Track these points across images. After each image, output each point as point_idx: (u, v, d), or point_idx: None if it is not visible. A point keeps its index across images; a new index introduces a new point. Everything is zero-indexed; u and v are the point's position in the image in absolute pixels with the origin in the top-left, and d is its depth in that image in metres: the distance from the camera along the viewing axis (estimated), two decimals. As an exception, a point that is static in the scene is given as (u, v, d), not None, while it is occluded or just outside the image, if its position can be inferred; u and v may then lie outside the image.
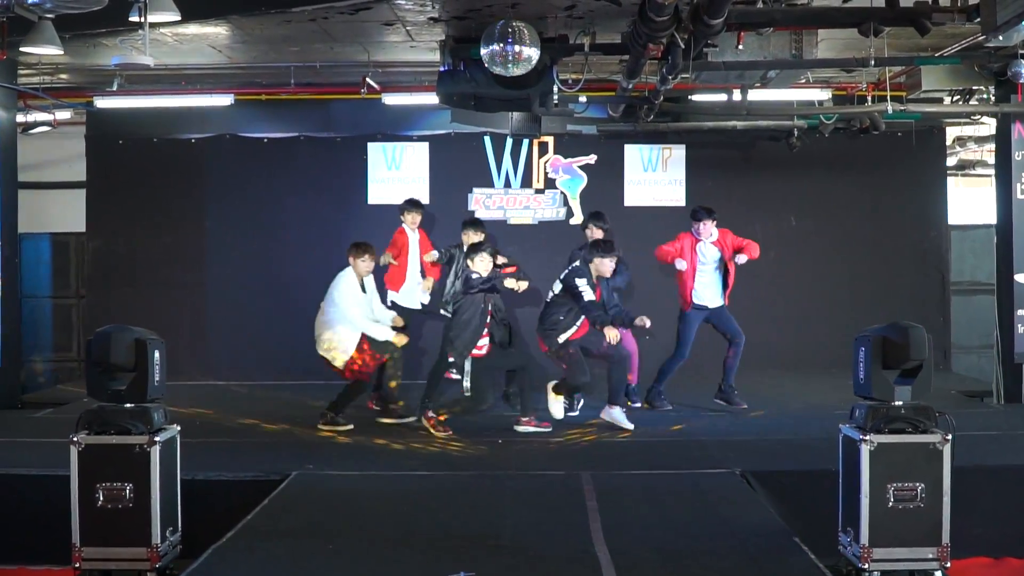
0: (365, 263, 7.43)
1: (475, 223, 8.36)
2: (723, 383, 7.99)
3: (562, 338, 7.13)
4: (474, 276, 7.09)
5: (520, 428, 7.20)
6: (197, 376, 9.89)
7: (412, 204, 8.60)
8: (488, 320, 7.11)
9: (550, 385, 7.42)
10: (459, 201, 10.30)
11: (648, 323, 7.15)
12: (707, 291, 7.84)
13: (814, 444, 6.42)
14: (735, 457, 6.28)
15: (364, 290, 7.41)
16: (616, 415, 7.30)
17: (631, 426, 7.26)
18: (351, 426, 7.28)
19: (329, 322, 7.31)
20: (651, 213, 10.47)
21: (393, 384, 7.43)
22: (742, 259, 7.86)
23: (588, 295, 7.10)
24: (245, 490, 5.64)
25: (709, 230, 7.89)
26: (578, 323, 7.15)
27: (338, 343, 7.22)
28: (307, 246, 10.40)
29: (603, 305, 7.15)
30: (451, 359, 7.16)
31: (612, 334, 7.02)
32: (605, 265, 7.25)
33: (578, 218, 10.35)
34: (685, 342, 7.78)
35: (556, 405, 7.40)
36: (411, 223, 8.47)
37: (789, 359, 10.41)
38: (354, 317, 7.29)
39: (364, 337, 7.21)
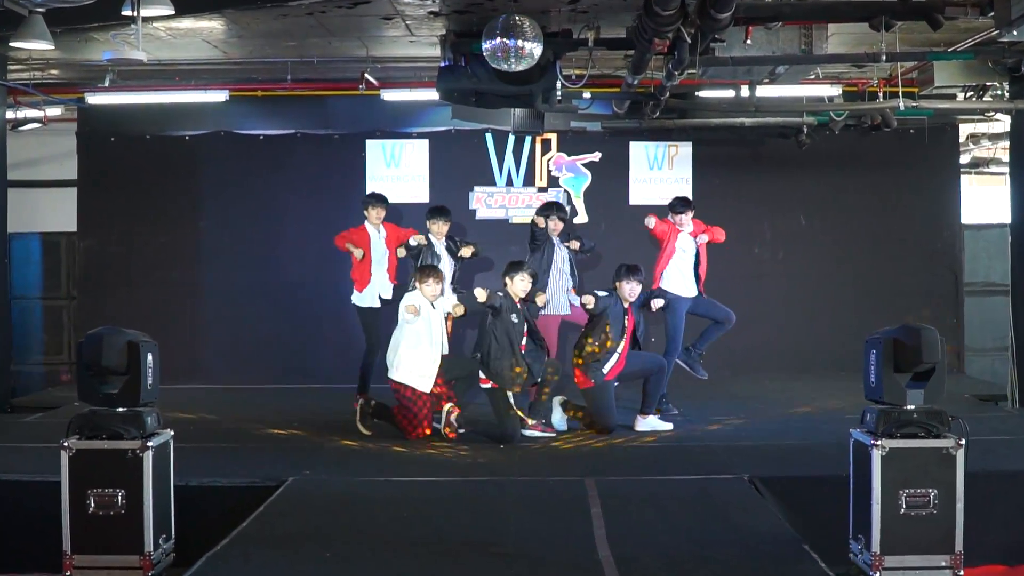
0: (430, 288, 7.17)
1: (443, 211, 8.00)
2: (693, 345, 7.99)
3: (607, 368, 7.12)
4: (500, 295, 7.06)
5: (525, 432, 7.20)
6: (191, 379, 9.89)
7: (374, 199, 8.25)
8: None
9: (557, 400, 7.45)
10: (460, 199, 10.30)
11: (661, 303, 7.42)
12: (682, 281, 7.87)
13: (824, 449, 6.42)
14: (743, 462, 6.28)
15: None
16: (652, 423, 7.42)
17: (670, 425, 7.43)
18: (369, 433, 7.28)
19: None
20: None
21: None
22: (703, 238, 8.01)
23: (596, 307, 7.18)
24: (240, 496, 5.64)
25: (686, 222, 7.95)
26: (620, 349, 7.14)
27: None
28: (304, 245, 10.41)
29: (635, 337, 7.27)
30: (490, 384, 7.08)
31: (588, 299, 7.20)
32: (632, 289, 7.27)
33: (583, 217, 10.37)
34: (676, 335, 7.80)
35: (560, 417, 7.43)
36: (375, 219, 8.16)
37: (798, 361, 10.41)
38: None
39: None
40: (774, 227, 10.70)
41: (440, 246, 7.93)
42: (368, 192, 8.53)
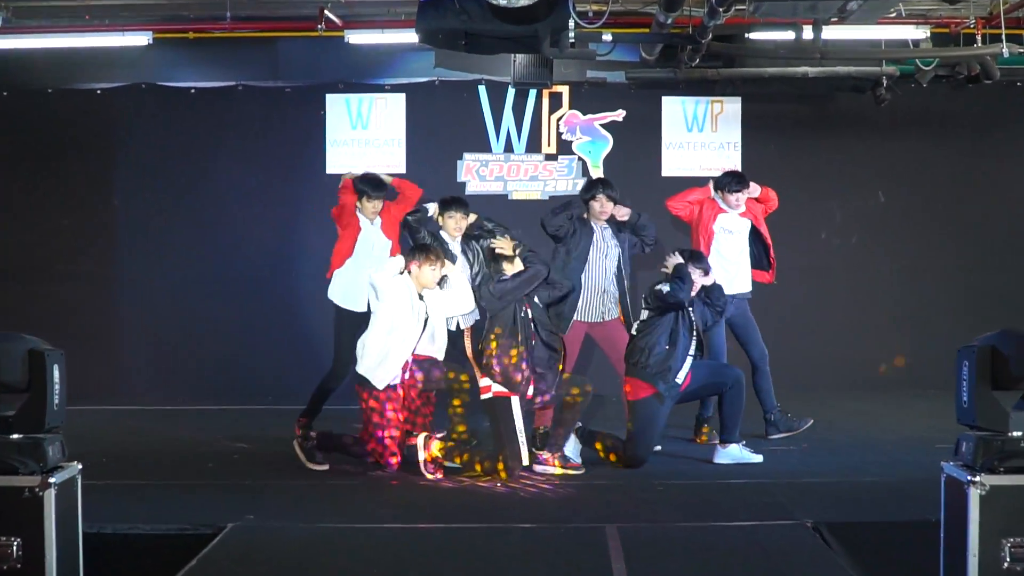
0: (428, 272, 7.02)
1: (460, 203, 7.67)
2: (768, 414, 8.05)
3: (680, 377, 7.18)
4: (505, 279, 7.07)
5: (538, 468, 7.21)
6: (105, 399, 9.91)
7: (371, 186, 7.85)
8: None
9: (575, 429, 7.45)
10: (445, 171, 10.33)
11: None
12: (726, 274, 7.83)
13: (908, 487, 6.41)
14: (805, 504, 6.28)
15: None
16: (736, 453, 7.41)
17: (759, 457, 7.45)
18: (325, 468, 7.30)
19: None
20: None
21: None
22: (757, 209, 8.10)
23: (667, 286, 7.17)
24: (167, 547, 5.63)
25: (740, 202, 7.91)
26: (691, 354, 7.21)
27: None
28: (248, 229, 10.46)
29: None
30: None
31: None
32: (697, 279, 7.35)
33: (601, 193, 10.37)
34: (718, 351, 7.81)
35: (575, 447, 7.45)
36: (371, 212, 7.81)
37: (875, 377, 10.44)
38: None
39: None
40: (845, 206, 10.73)
41: (455, 245, 7.63)
42: (362, 175, 7.96)
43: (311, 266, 10.33)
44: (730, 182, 8.06)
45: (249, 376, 10.41)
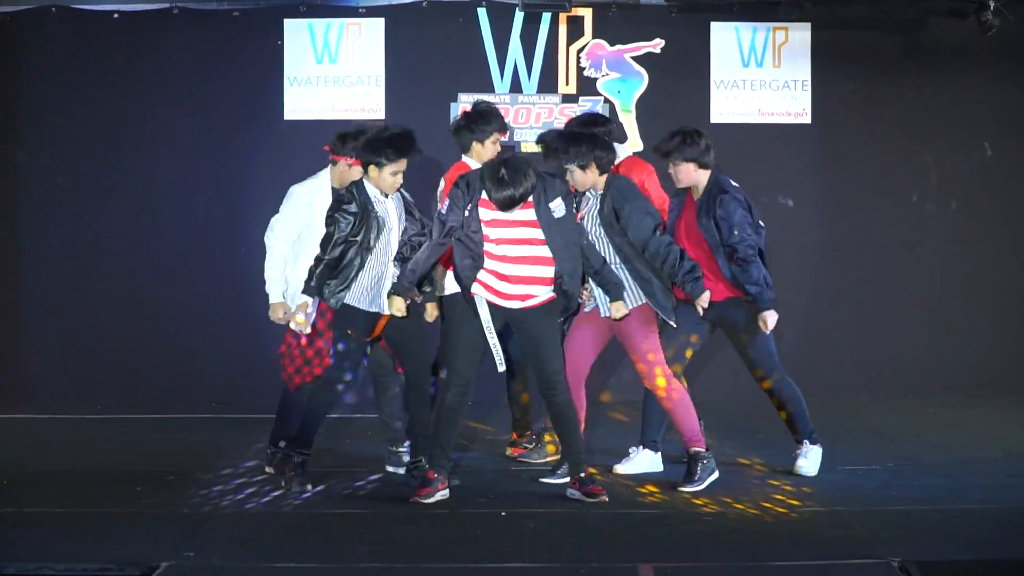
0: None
1: (402, 143, 7.41)
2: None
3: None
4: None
5: (552, 481, 7.38)
6: (3, 406, 9.97)
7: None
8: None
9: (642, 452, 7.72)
10: (435, 115, 10.29)
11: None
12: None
13: (1015, 517, 6.44)
14: (891, 538, 6.29)
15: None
16: (814, 455, 7.77)
17: (813, 471, 7.70)
18: (309, 488, 7.34)
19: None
20: (755, 135, 10.58)
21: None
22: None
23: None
24: (86, 591, 5.66)
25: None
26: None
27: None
28: (186, 191, 10.46)
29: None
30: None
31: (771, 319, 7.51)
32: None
33: (634, 143, 10.35)
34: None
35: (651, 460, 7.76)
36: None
37: (976, 379, 10.47)
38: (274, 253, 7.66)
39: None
40: (941, 163, 10.69)
41: (389, 204, 7.48)
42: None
43: (263, 235, 10.34)
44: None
45: (188, 377, 10.41)
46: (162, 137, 10.50)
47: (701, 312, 7.41)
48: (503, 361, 7.14)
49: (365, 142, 7.36)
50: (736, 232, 7.48)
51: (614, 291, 7.22)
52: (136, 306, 10.45)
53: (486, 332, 7.06)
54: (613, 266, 7.31)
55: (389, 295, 7.20)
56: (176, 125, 10.48)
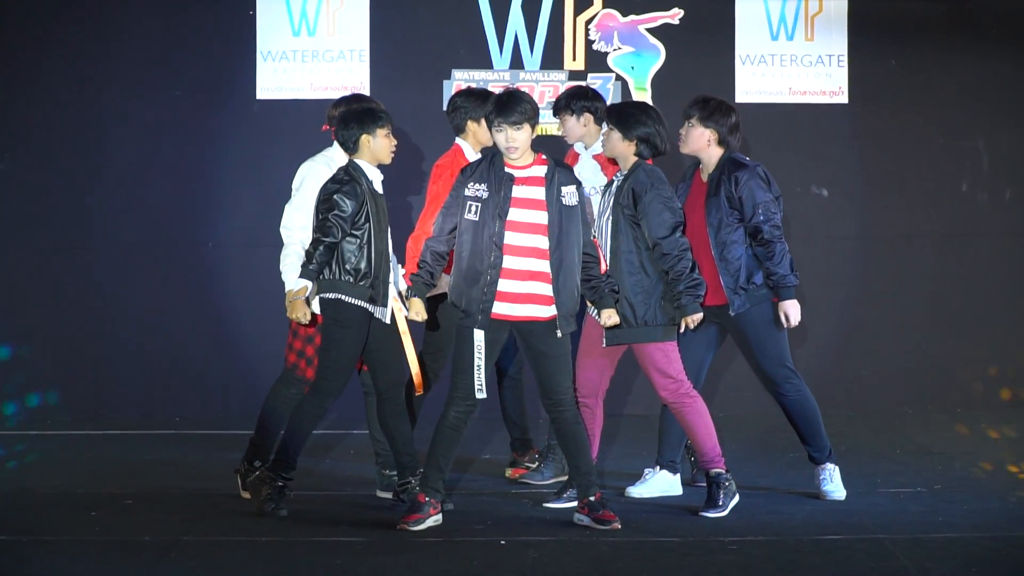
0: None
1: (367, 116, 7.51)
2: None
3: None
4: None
5: (557, 506, 7.37)
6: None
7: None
8: None
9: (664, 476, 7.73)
10: (425, 95, 10.32)
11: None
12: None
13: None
14: (937, 569, 6.29)
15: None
16: (838, 476, 7.78)
17: (840, 493, 7.75)
18: (286, 514, 7.34)
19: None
20: (785, 117, 10.61)
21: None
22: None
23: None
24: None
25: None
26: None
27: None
28: (146, 178, 10.48)
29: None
30: None
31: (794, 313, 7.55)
32: None
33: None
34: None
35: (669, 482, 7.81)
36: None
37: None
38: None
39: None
40: (995, 147, 10.70)
41: (377, 182, 7.57)
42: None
43: (236, 230, 10.32)
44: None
45: (148, 389, 10.45)
46: (119, 118, 10.50)
47: (682, 328, 7.42)
48: (483, 387, 7.12)
49: (346, 120, 7.38)
50: (760, 211, 7.49)
51: (606, 298, 7.22)
52: (90, 308, 10.47)
53: (475, 352, 7.06)
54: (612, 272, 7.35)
55: (408, 297, 7.21)
56: (134, 105, 10.48)
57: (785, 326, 7.56)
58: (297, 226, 7.62)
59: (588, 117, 8.07)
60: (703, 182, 7.65)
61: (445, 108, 8.22)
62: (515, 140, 7.01)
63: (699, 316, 7.35)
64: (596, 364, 7.55)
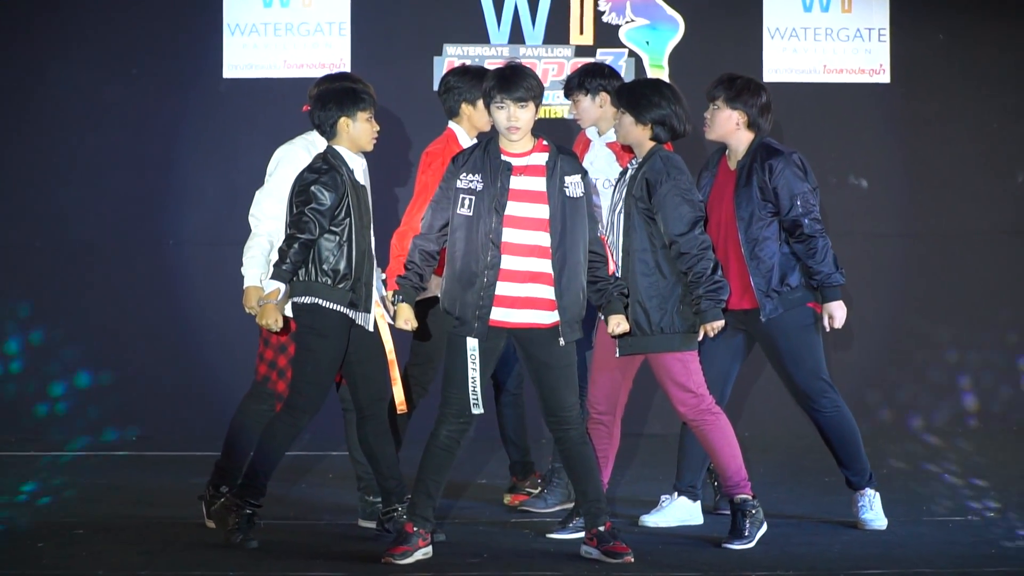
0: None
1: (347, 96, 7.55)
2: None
3: None
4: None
5: (563, 536, 7.34)
6: None
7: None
8: None
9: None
10: (415, 71, 10.36)
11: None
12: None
13: None
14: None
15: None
16: (879, 503, 7.74)
17: (884, 522, 7.70)
18: (254, 544, 7.33)
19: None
20: (820, 98, 10.68)
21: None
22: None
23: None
24: None
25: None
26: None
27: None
28: (100, 168, 10.51)
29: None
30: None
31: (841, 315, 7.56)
32: None
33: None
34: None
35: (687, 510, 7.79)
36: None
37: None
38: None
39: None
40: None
41: (359, 171, 7.64)
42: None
43: (200, 226, 10.33)
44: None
45: (99, 401, 10.45)
46: (69, 99, 10.54)
47: (701, 335, 7.37)
48: (479, 402, 7.07)
49: (323, 99, 7.37)
50: (799, 203, 7.47)
51: (615, 303, 7.20)
52: (33, 314, 10.47)
53: (469, 362, 7.02)
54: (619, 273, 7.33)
55: (394, 302, 7.16)
56: (87, 84, 10.52)
57: (827, 329, 7.55)
58: (267, 215, 7.55)
59: (604, 97, 8.02)
60: (731, 170, 7.63)
61: (436, 89, 8.21)
62: (518, 120, 6.94)
63: (720, 324, 7.28)
64: (612, 377, 7.53)
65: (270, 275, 7.19)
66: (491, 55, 10.42)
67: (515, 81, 6.97)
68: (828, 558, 7.26)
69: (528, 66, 7.11)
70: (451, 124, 8.04)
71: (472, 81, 8.00)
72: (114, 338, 10.47)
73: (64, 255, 10.47)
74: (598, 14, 10.52)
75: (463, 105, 7.99)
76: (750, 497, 7.45)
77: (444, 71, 10.11)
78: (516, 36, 10.50)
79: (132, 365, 10.46)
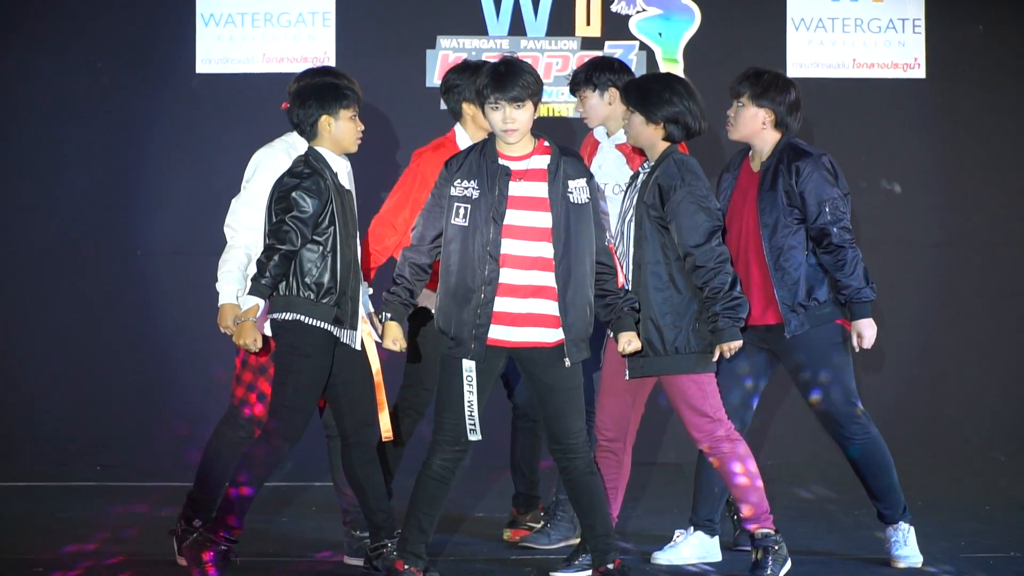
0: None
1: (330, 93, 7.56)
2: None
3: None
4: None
5: (568, 575, 7.40)
6: None
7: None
8: None
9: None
10: (405, 68, 10.36)
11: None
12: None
13: None
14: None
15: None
16: (913, 538, 7.71)
17: (919, 559, 7.66)
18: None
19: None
20: (849, 94, 10.71)
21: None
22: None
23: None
24: None
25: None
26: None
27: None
28: (57, 172, 10.54)
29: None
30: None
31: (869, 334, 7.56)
32: None
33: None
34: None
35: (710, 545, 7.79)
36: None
37: None
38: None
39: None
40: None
41: (343, 174, 7.72)
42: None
43: (170, 234, 10.35)
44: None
45: (61, 427, 10.50)
46: (23, 99, 10.58)
47: (716, 356, 7.37)
48: (477, 428, 7.04)
49: (302, 96, 7.37)
50: (827, 210, 7.47)
51: (625, 319, 7.20)
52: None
53: (465, 384, 7.01)
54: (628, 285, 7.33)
55: (382, 321, 7.14)
56: (43, 81, 10.55)
57: (856, 349, 7.55)
58: (244, 226, 7.52)
59: (613, 94, 7.99)
60: (754, 172, 7.63)
61: (439, 87, 8.19)
62: (514, 121, 6.90)
63: (737, 344, 7.25)
64: (622, 400, 7.53)
65: (248, 291, 7.15)
66: (490, 48, 10.43)
67: (510, 79, 6.91)
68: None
69: (525, 61, 7.06)
70: (457, 127, 8.03)
71: (474, 78, 7.97)
72: (74, 357, 10.48)
73: (17, 265, 10.48)
74: (606, 3, 10.54)
75: (465, 105, 7.97)
76: (772, 531, 7.46)
77: (439, 66, 10.20)
78: (517, 27, 10.51)
79: (96, 387, 10.46)
